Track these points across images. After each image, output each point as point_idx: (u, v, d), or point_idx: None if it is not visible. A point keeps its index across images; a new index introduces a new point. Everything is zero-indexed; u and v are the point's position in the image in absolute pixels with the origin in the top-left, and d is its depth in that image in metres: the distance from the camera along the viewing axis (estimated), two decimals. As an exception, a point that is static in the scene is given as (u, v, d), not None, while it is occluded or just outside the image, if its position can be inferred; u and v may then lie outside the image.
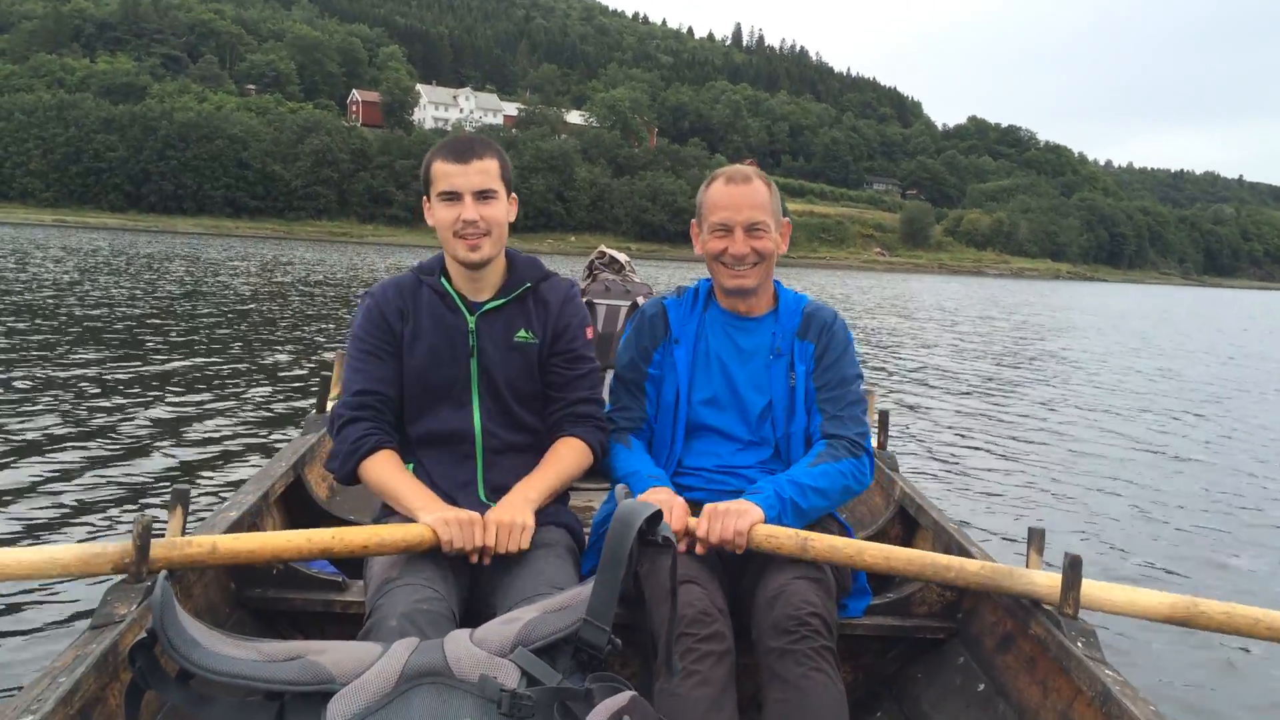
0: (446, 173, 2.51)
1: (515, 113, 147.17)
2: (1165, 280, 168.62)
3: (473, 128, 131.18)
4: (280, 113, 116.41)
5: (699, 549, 2.38)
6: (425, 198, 2.61)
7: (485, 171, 2.51)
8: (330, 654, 1.55)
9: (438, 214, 2.53)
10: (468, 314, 2.59)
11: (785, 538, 2.36)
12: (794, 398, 2.70)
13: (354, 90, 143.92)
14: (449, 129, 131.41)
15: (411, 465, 2.58)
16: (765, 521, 2.39)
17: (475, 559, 2.29)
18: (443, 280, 2.62)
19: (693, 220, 2.80)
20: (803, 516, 2.50)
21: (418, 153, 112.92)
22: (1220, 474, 8.95)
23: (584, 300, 5.12)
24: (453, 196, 2.50)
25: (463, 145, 2.53)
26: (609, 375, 5.05)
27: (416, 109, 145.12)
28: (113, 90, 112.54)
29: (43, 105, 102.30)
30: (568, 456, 2.57)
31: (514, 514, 2.33)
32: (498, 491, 2.54)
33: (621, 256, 5.73)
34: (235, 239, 79.65)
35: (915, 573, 2.45)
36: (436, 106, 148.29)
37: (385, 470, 2.46)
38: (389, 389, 2.57)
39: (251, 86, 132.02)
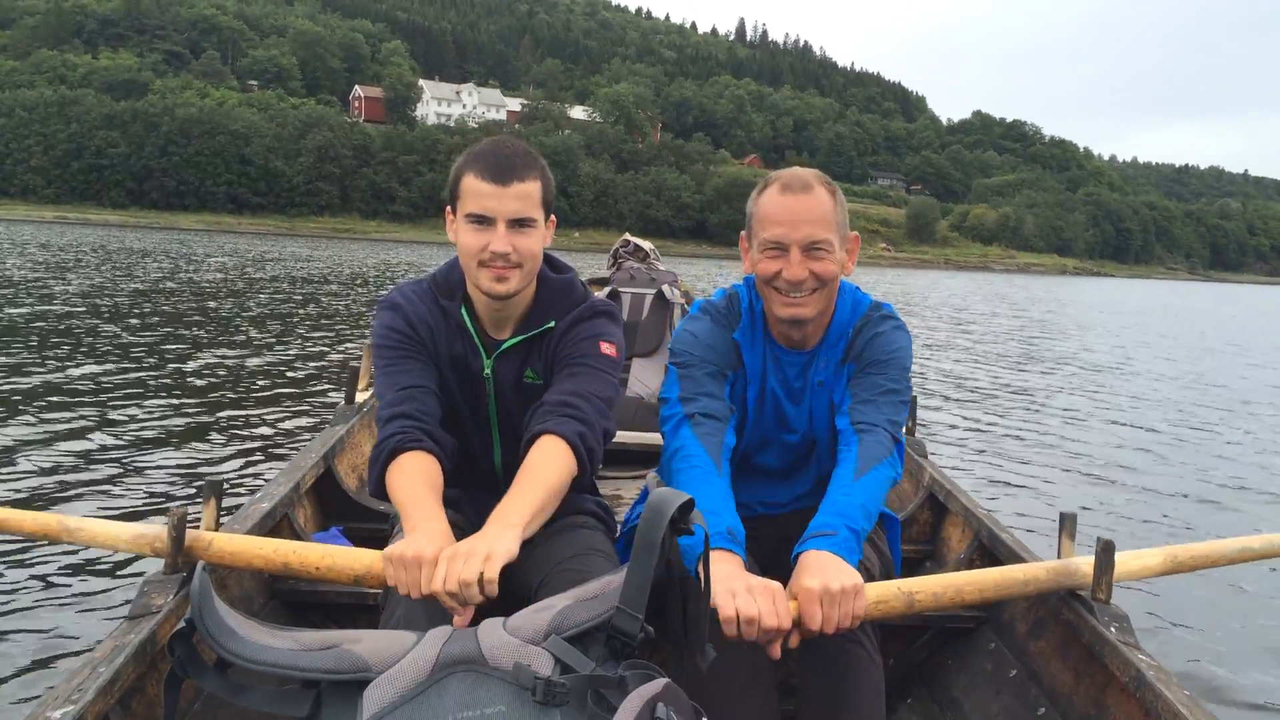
0: (479, 193, 2.13)
1: (518, 108, 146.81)
2: (1172, 275, 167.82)
3: (476, 123, 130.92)
4: (282, 109, 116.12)
5: (793, 641, 1.93)
6: (450, 209, 2.24)
7: (525, 196, 2.15)
8: (365, 643, 1.56)
9: (463, 236, 2.17)
10: (485, 356, 2.29)
11: (893, 599, 2.10)
12: (834, 434, 2.38)
13: (356, 86, 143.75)
14: (452, 124, 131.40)
15: None
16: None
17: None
18: (463, 312, 2.29)
19: (742, 233, 2.37)
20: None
21: (420, 149, 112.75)
22: (1249, 458, 9.07)
23: (609, 290, 5.07)
24: (483, 221, 2.14)
25: (503, 162, 2.15)
26: (633, 364, 5.05)
27: (419, 104, 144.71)
28: (114, 86, 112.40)
29: (44, 102, 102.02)
30: (544, 463, 2.07)
31: (474, 543, 1.82)
32: None
33: (646, 245, 5.65)
34: (238, 235, 79.25)
35: (1002, 595, 2.30)
36: (439, 102, 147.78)
37: (399, 479, 2.08)
38: (428, 381, 2.25)
39: (254, 82, 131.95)
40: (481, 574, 1.78)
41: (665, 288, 5.24)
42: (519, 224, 2.14)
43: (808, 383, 2.39)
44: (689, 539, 1.69)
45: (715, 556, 1.98)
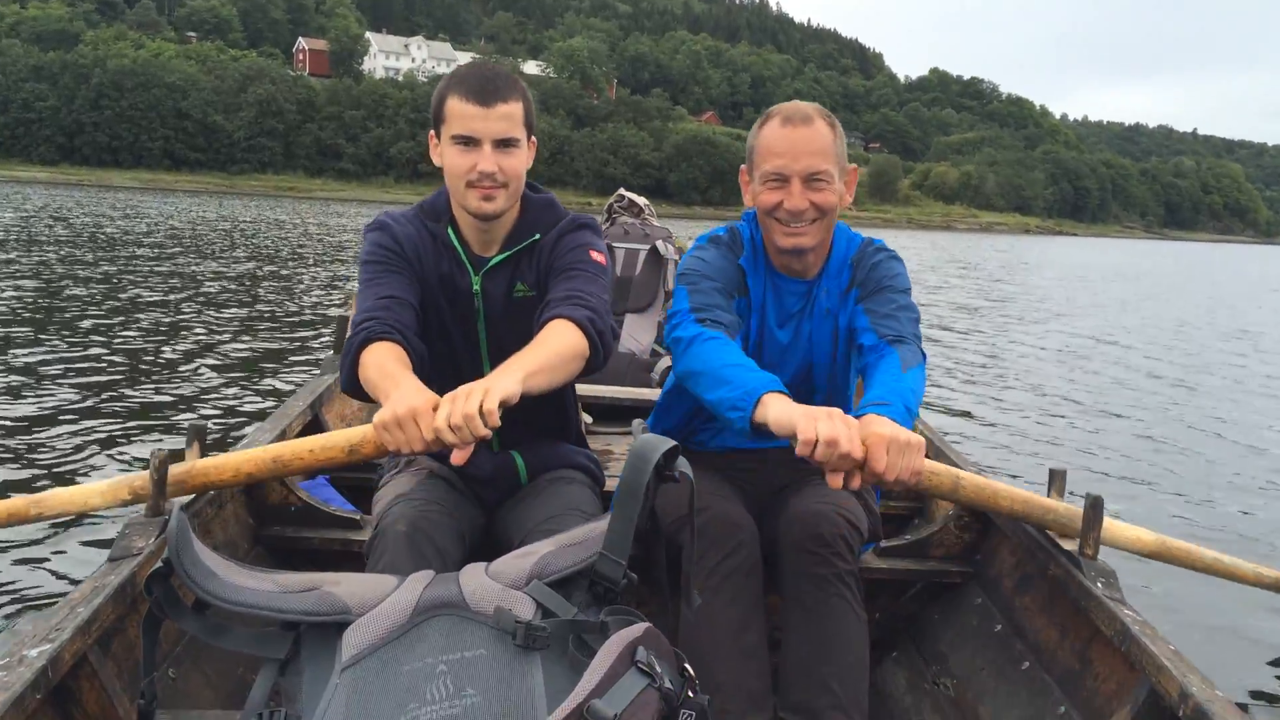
0: (464, 114, 2.18)
1: (469, 62, 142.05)
2: (1129, 234, 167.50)
3: (425, 77, 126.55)
4: (222, 61, 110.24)
5: (854, 483, 1.95)
6: (433, 134, 2.30)
7: (509, 117, 2.20)
8: (345, 585, 1.57)
9: (448, 158, 2.23)
10: (473, 272, 2.33)
11: (944, 475, 2.30)
12: (835, 359, 2.43)
13: (300, 38, 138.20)
14: (400, 78, 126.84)
15: None
16: None
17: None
18: (450, 232, 2.34)
19: (742, 166, 2.42)
20: None
21: (368, 103, 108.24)
22: (1240, 420, 9.10)
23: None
24: (469, 142, 2.20)
25: (486, 84, 2.20)
26: (626, 319, 5.04)
27: (366, 58, 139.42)
28: (43, 37, 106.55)
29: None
30: (550, 335, 2.12)
31: (472, 385, 1.88)
32: (516, 444, 2.43)
33: (640, 200, 5.56)
34: (176, 194, 75.32)
35: (1025, 514, 2.47)
36: (387, 55, 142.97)
37: (371, 361, 2.08)
38: (408, 295, 2.26)
39: (192, 34, 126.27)
40: (481, 404, 1.81)
41: (659, 244, 5.11)
42: (504, 144, 2.20)
43: (811, 309, 2.42)
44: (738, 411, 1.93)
45: (775, 398, 2.02)
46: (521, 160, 2.24)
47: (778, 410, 1.97)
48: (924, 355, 2.28)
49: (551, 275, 2.30)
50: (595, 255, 2.32)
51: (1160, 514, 5.95)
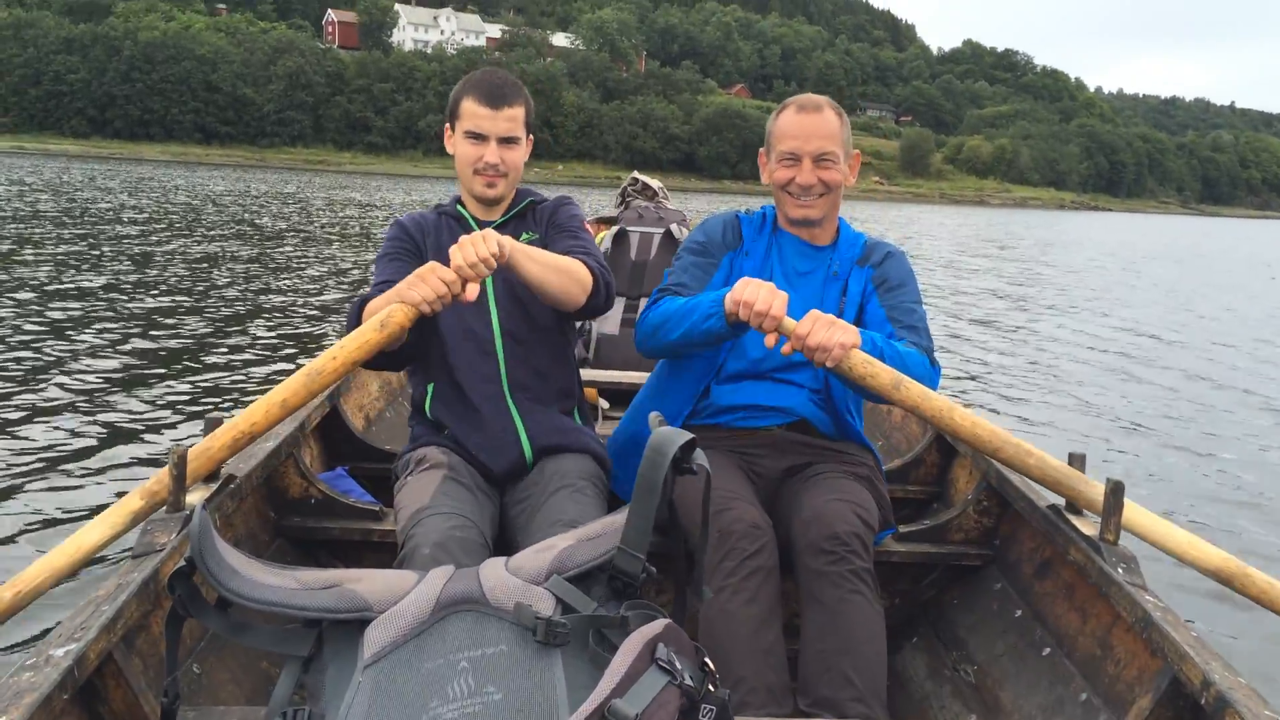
0: (476, 114, 2.60)
1: (498, 35, 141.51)
2: (1165, 209, 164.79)
3: (454, 49, 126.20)
4: (252, 33, 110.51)
5: (786, 349, 2.26)
6: (448, 127, 2.72)
7: (513, 119, 2.63)
8: (366, 582, 1.58)
9: (460, 148, 2.66)
10: (478, 228, 2.70)
11: (882, 371, 2.27)
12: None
13: (329, 10, 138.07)
14: (429, 51, 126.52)
15: (433, 385, 2.64)
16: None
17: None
18: (459, 207, 2.78)
19: (761, 150, 2.79)
20: None
21: (396, 76, 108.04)
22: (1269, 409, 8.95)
23: (617, 229, 5.06)
24: (479, 137, 2.62)
25: (496, 90, 2.62)
26: (641, 304, 5.05)
27: (395, 30, 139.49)
28: (74, 9, 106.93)
29: (0, 25, 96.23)
30: (565, 257, 2.51)
31: (475, 234, 2.26)
32: (521, 389, 2.62)
33: (655, 183, 5.54)
34: (207, 167, 75.51)
35: (994, 449, 2.38)
36: (416, 28, 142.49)
37: (374, 303, 2.40)
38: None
39: (221, 5, 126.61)
40: (486, 240, 2.21)
41: (674, 227, 5.07)
42: (507, 141, 2.63)
43: (822, 271, 2.69)
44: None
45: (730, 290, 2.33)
46: (520, 154, 2.68)
47: (730, 292, 2.29)
48: (936, 366, 2.52)
49: (553, 230, 2.72)
50: (590, 228, 2.77)
51: (1191, 516, 5.67)
